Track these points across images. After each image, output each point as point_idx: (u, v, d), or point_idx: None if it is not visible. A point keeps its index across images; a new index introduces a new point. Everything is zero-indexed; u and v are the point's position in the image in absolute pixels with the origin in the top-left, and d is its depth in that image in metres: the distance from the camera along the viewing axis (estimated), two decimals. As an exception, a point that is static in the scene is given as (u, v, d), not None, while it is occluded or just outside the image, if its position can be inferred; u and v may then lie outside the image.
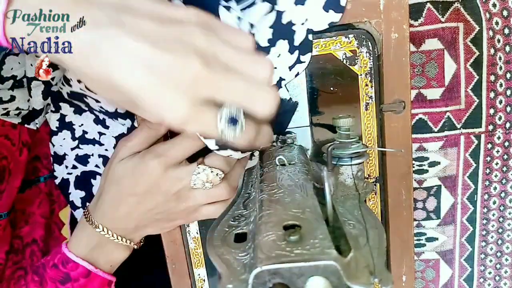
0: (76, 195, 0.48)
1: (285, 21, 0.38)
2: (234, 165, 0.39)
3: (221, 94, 0.26)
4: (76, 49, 0.25)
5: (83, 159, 0.47)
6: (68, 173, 0.47)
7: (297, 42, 0.38)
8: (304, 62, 0.39)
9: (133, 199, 0.37)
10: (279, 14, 0.38)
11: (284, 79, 0.40)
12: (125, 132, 0.45)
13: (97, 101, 0.42)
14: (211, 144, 0.34)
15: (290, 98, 0.41)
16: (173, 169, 0.36)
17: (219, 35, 0.27)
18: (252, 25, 0.38)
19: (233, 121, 0.26)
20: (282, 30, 0.38)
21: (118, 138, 0.46)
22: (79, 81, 0.39)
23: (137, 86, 0.25)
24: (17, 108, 0.44)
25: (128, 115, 0.43)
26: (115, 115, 0.43)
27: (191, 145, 0.36)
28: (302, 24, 0.38)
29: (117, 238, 0.38)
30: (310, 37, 0.38)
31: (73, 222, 0.51)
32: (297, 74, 0.39)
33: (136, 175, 0.36)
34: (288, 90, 0.40)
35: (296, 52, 0.39)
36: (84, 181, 0.48)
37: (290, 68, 0.39)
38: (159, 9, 0.26)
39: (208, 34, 0.26)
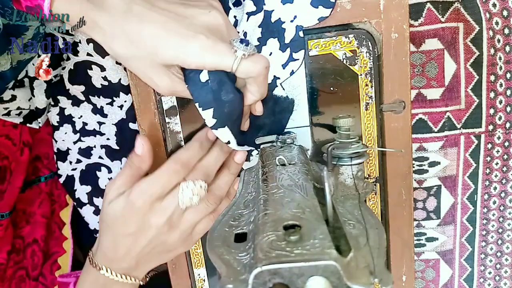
0: (82, 191, 0.48)
1: (274, 20, 0.38)
2: (219, 174, 0.39)
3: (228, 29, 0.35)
4: (110, 10, 0.31)
5: (86, 152, 0.47)
6: (73, 169, 0.48)
7: (287, 40, 0.38)
8: (297, 59, 0.39)
9: (128, 238, 0.37)
10: (268, 13, 0.38)
11: (278, 78, 0.40)
12: (124, 117, 0.45)
13: (102, 69, 0.42)
14: (228, 137, 0.36)
15: (287, 96, 0.41)
16: (159, 202, 0.36)
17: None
18: (236, 21, 0.39)
19: (245, 42, 0.32)
20: (271, 29, 0.38)
21: (118, 125, 0.46)
22: (88, 42, 0.42)
23: (164, 34, 0.31)
24: (18, 108, 0.44)
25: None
26: (117, 88, 0.44)
27: (172, 178, 0.37)
28: (291, 21, 0.38)
29: (122, 277, 0.38)
30: (301, 33, 0.38)
31: (74, 222, 0.51)
32: (292, 72, 0.39)
33: (125, 215, 0.37)
34: (284, 89, 0.40)
35: (288, 49, 0.39)
36: (89, 175, 0.48)
37: (284, 66, 0.39)
38: None
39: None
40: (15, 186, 0.44)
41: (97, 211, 0.49)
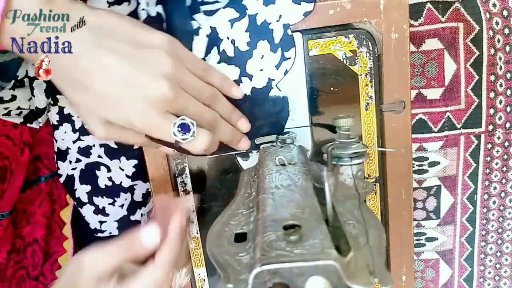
0: (82, 190, 0.48)
1: (260, 22, 0.38)
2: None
3: (182, 110, 0.33)
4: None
5: (85, 151, 0.47)
6: (73, 169, 0.48)
7: (277, 40, 0.39)
8: (289, 58, 0.39)
9: None
10: (252, 17, 0.38)
11: (273, 79, 0.40)
12: None
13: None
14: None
15: (283, 96, 0.41)
16: None
17: (184, 62, 0.34)
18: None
19: (186, 129, 0.33)
20: (259, 31, 0.38)
21: None
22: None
23: (115, 96, 0.31)
24: (18, 108, 0.44)
25: None
26: None
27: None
28: (277, 21, 0.38)
29: None
30: (289, 31, 0.39)
31: (74, 222, 0.51)
32: (286, 72, 0.40)
33: None
34: (280, 89, 0.40)
35: (279, 49, 0.39)
36: (89, 174, 0.48)
37: (277, 67, 0.39)
38: (135, 33, 0.32)
39: (176, 61, 0.33)
40: (16, 186, 0.44)
41: (97, 211, 0.49)
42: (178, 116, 0.33)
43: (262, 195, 0.29)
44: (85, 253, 0.33)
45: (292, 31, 0.39)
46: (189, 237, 0.44)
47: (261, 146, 0.41)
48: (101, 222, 0.50)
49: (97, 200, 0.48)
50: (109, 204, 0.49)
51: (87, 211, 0.49)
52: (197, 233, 0.45)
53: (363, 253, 0.25)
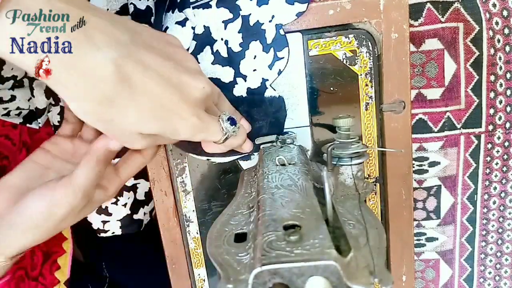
0: None
1: (253, 23, 0.38)
2: None
3: (213, 108, 0.33)
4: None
5: None
6: None
7: (269, 40, 0.39)
8: (282, 58, 0.39)
9: None
10: (245, 18, 0.38)
11: (267, 79, 0.40)
12: None
13: None
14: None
15: (279, 96, 0.41)
16: None
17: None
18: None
19: (233, 121, 0.33)
20: (251, 32, 0.38)
21: None
22: None
23: (159, 104, 0.28)
24: (18, 108, 0.44)
25: None
26: None
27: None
28: (270, 21, 0.38)
29: None
30: (282, 31, 0.39)
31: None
32: (280, 72, 0.40)
33: None
34: (274, 89, 0.40)
35: (271, 50, 0.39)
36: None
37: (270, 67, 0.39)
38: (151, 34, 0.30)
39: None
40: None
41: (100, 210, 0.49)
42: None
43: (262, 195, 0.29)
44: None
45: (292, 31, 0.39)
46: (189, 236, 0.44)
47: (261, 146, 0.41)
48: (104, 222, 0.49)
49: None
50: (112, 203, 0.49)
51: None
52: (197, 233, 0.45)
53: (363, 253, 0.25)
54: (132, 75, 0.27)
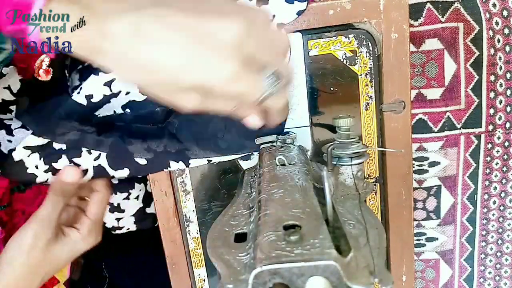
0: None
1: None
2: None
3: (260, 54, 0.28)
4: (115, 35, 0.26)
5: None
6: None
7: None
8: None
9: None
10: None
11: None
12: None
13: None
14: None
15: None
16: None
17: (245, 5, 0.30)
18: None
19: (274, 79, 0.29)
20: None
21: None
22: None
23: (185, 56, 0.27)
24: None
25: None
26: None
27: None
28: (271, 20, 0.38)
29: None
30: (283, 31, 0.38)
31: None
32: None
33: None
34: None
35: None
36: (99, 175, 0.47)
37: None
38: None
39: (235, 4, 0.29)
40: (2, 186, 0.44)
41: (112, 208, 0.49)
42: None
43: (262, 195, 0.29)
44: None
45: (292, 31, 0.39)
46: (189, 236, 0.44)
47: (261, 146, 0.41)
48: (118, 219, 0.50)
49: (111, 198, 0.48)
50: (123, 199, 0.49)
51: None
52: (197, 233, 0.45)
53: (363, 253, 0.25)
54: (155, 31, 0.26)
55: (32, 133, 0.39)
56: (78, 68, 0.42)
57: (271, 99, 0.30)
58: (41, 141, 0.40)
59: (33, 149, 0.40)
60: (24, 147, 0.40)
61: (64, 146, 0.40)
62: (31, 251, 0.37)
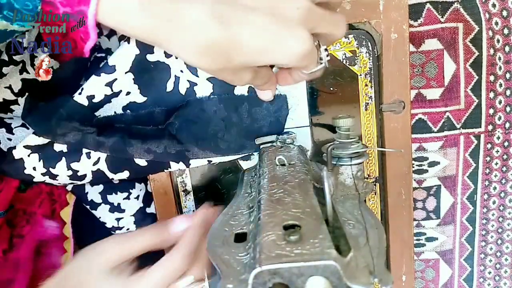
0: (93, 191, 0.48)
1: None
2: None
3: (321, 26, 0.28)
4: (192, 21, 0.26)
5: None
6: None
7: None
8: None
9: None
10: None
11: None
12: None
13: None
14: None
15: (280, 94, 0.41)
16: None
17: None
18: None
19: (326, 50, 0.31)
20: None
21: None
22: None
23: (267, 36, 0.26)
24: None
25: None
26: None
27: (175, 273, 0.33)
28: None
29: None
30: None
31: (75, 222, 0.51)
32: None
33: None
34: (276, 88, 0.40)
35: None
36: (98, 173, 0.47)
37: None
38: None
39: None
40: (11, 185, 0.44)
41: (113, 209, 0.49)
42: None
43: (262, 195, 0.29)
44: (108, 238, 0.33)
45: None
46: None
47: (261, 146, 0.41)
48: (118, 219, 0.50)
49: (111, 197, 0.48)
50: (124, 199, 0.49)
51: (102, 211, 0.49)
52: (197, 233, 0.45)
53: (363, 253, 0.25)
54: (225, 13, 0.26)
55: (33, 133, 0.39)
56: (80, 68, 0.42)
57: (316, 72, 0.31)
58: (41, 141, 0.40)
59: (33, 149, 0.40)
60: (25, 146, 0.40)
61: (64, 148, 0.40)
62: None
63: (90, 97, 0.39)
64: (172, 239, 0.34)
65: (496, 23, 0.52)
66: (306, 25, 0.27)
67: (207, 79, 0.39)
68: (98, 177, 0.42)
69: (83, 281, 0.31)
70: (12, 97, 0.42)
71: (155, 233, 0.34)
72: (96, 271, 0.31)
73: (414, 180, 0.58)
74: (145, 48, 0.38)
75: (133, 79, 0.39)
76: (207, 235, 0.31)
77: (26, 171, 0.40)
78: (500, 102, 0.55)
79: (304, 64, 0.29)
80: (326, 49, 0.31)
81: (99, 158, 0.41)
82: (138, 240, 0.33)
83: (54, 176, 0.41)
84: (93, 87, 0.39)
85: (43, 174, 0.40)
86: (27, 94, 0.41)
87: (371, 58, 0.40)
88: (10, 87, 0.41)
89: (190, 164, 0.41)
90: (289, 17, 0.26)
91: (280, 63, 0.29)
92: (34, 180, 0.41)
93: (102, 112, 0.40)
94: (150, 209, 0.50)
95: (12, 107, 0.42)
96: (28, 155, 0.40)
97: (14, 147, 0.40)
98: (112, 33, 0.41)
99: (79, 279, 0.32)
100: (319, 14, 0.28)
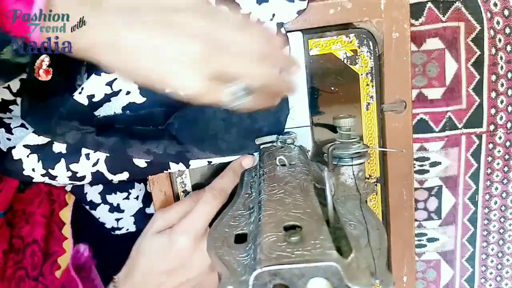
0: (93, 192, 0.48)
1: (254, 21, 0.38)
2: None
3: (228, 70, 0.30)
4: (97, 45, 0.28)
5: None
6: None
7: None
8: None
9: (163, 276, 0.38)
10: (246, 16, 0.38)
11: None
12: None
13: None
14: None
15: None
16: (203, 241, 0.37)
17: (219, 20, 0.31)
18: None
19: (239, 94, 0.30)
20: None
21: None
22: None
23: (158, 71, 0.29)
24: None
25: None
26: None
27: (212, 210, 0.38)
28: (271, 19, 0.38)
29: None
30: (283, 30, 0.38)
31: (74, 222, 0.51)
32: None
33: (166, 253, 0.37)
34: None
35: None
36: (98, 173, 0.47)
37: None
38: (158, 1, 0.30)
39: (207, 19, 0.30)
40: (11, 185, 0.44)
41: (112, 209, 0.49)
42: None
43: (262, 196, 0.29)
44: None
45: (292, 31, 0.39)
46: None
47: (261, 146, 0.40)
48: (117, 220, 0.49)
49: (111, 197, 0.48)
50: (123, 199, 0.49)
51: (102, 211, 0.49)
52: (197, 234, 0.45)
53: (364, 254, 0.25)
54: (131, 51, 0.29)
55: (33, 132, 0.39)
56: (81, 68, 0.42)
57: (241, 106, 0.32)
58: (41, 140, 0.39)
59: (33, 149, 0.40)
60: (24, 146, 0.39)
61: (63, 150, 0.40)
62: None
63: (90, 97, 0.39)
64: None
65: (498, 22, 0.52)
66: (202, 68, 0.29)
67: None
68: (98, 179, 0.42)
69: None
70: (11, 97, 0.42)
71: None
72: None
73: (416, 180, 0.58)
74: None
75: None
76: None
77: (25, 172, 0.40)
78: (502, 102, 0.55)
79: (208, 100, 0.31)
80: (244, 85, 0.30)
81: (98, 160, 0.40)
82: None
83: (53, 177, 0.40)
84: (93, 87, 0.38)
85: (43, 175, 0.40)
86: (24, 94, 0.40)
87: (372, 58, 0.40)
88: (8, 87, 0.41)
89: (189, 165, 0.41)
90: (188, 60, 0.29)
91: (180, 95, 0.31)
92: (34, 181, 0.41)
93: (101, 112, 0.40)
94: (150, 210, 0.50)
95: (10, 107, 0.42)
96: (27, 156, 0.40)
97: (14, 147, 0.40)
98: None
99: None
100: (218, 57, 0.30)
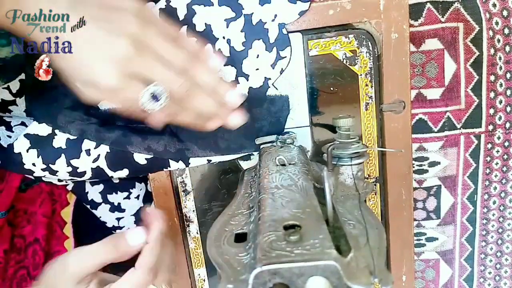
0: (94, 191, 0.48)
1: (255, 22, 0.38)
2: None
3: (147, 73, 0.31)
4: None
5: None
6: None
7: (272, 39, 0.39)
8: (285, 57, 0.39)
9: None
10: (248, 17, 0.38)
11: (269, 78, 0.40)
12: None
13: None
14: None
15: (281, 95, 0.41)
16: None
17: (154, 28, 0.32)
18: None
19: (155, 98, 0.31)
20: (254, 31, 0.38)
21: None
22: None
23: (85, 58, 0.30)
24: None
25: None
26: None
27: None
28: (273, 20, 0.38)
29: None
30: (285, 31, 0.39)
31: (76, 221, 0.51)
32: (282, 71, 0.40)
33: None
34: (277, 88, 0.40)
35: (274, 49, 0.39)
36: (98, 171, 0.47)
37: (273, 66, 0.39)
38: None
39: (143, 23, 0.31)
40: (12, 185, 0.44)
41: (113, 208, 0.49)
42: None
43: (262, 195, 0.29)
44: (69, 252, 0.33)
45: (292, 31, 0.39)
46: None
47: (261, 146, 0.41)
48: (118, 219, 0.50)
49: (112, 197, 0.48)
50: (124, 198, 0.49)
51: (103, 211, 0.49)
52: (197, 233, 0.45)
53: (363, 253, 0.25)
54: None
55: (35, 119, 0.39)
56: None
57: (152, 115, 0.32)
58: (43, 129, 0.40)
59: (33, 142, 0.40)
60: (25, 136, 0.40)
61: (63, 145, 0.40)
62: None
63: None
64: (131, 251, 0.34)
65: (497, 23, 0.52)
66: (123, 65, 0.30)
67: None
68: (98, 175, 0.42)
69: None
70: (10, 98, 0.42)
71: (113, 247, 0.33)
72: (63, 286, 0.32)
73: (415, 180, 0.58)
74: None
75: None
76: (165, 244, 0.34)
77: (26, 166, 0.40)
78: (500, 102, 0.55)
79: (120, 99, 0.32)
80: (158, 92, 0.31)
81: (99, 155, 0.41)
82: (98, 254, 0.33)
83: (54, 172, 0.41)
84: None
85: (43, 170, 0.40)
86: (26, 92, 0.41)
87: (371, 58, 0.40)
88: (8, 88, 0.41)
89: (189, 163, 0.41)
90: (112, 54, 0.30)
91: (98, 86, 0.31)
92: (34, 175, 0.41)
93: (104, 105, 0.40)
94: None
95: (10, 107, 0.42)
96: (27, 150, 0.40)
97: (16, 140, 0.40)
98: None
99: None
100: (141, 59, 0.31)
